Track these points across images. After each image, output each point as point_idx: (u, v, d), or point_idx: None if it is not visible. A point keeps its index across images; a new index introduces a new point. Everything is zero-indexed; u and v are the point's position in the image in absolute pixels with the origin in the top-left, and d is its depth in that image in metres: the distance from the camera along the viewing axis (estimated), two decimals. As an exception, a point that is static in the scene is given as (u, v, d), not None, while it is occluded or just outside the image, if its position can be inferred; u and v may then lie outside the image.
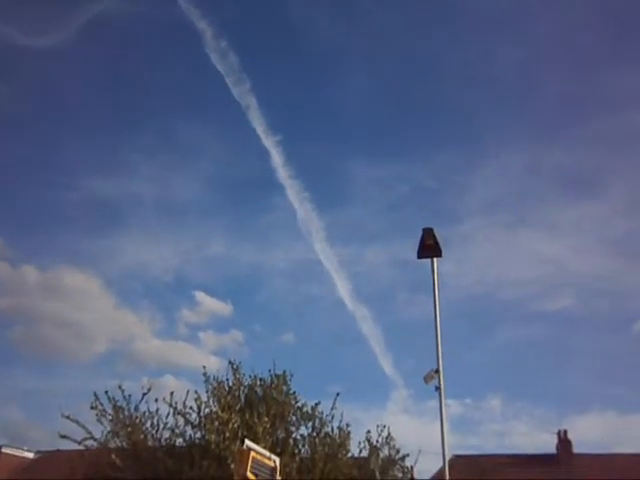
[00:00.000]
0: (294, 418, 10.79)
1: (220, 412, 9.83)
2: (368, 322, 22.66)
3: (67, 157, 28.23)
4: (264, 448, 7.40)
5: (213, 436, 9.60)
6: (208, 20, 22.81)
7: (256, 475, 6.19)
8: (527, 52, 28.75)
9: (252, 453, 6.28)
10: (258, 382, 10.80)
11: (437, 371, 6.58)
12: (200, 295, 26.11)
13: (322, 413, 10.88)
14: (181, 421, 10.30)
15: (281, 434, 10.54)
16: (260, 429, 9.65)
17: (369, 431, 11.29)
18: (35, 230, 27.46)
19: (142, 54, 27.55)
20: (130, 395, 10.41)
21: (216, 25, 22.95)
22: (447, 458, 6.59)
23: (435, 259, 6.85)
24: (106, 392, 10.30)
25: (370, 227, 29.22)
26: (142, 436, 10.20)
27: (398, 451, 11.56)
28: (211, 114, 27.76)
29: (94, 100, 27.17)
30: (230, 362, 10.83)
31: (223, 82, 23.43)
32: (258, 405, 10.30)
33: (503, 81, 28.72)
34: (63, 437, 10.03)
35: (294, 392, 10.87)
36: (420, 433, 20.21)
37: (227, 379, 10.64)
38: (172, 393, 10.29)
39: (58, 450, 15.71)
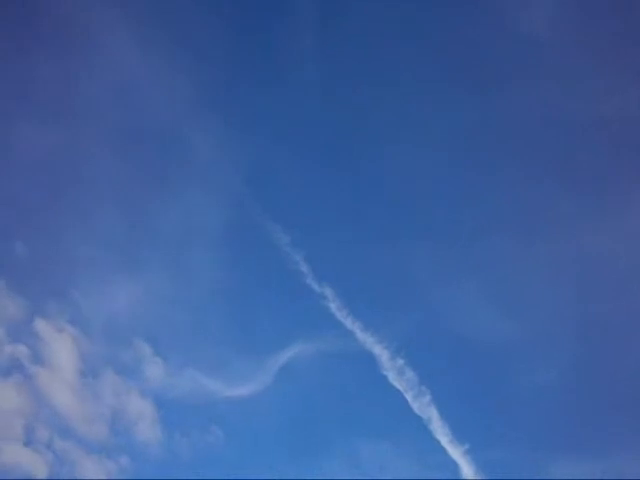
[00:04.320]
0: None
1: None
2: None
3: None
4: None
5: None
6: (383, 345, 26.40)
7: None
8: None
9: None
10: None
11: None
12: None
13: None
14: None
15: None
16: None
17: None
18: None
19: (329, 386, 29.76)
20: None
21: (391, 348, 26.31)
22: None
23: None
24: None
25: None
26: None
27: None
28: (394, 431, 28.35)
29: (287, 438, 29.33)
30: None
31: (403, 398, 25.57)
32: None
33: None
34: None
35: None
36: None
37: None
38: None
39: None
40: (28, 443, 23.83)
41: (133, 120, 30.16)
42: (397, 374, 25.00)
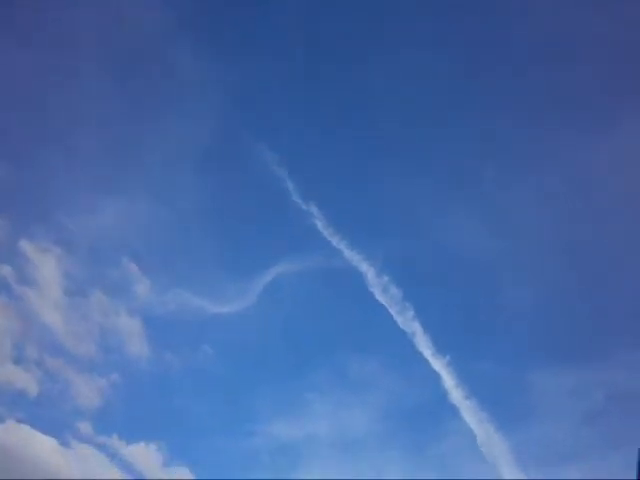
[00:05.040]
0: None
1: None
2: None
3: (253, 407, 29.66)
4: None
5: None
6: (369, 262, 26.14)
7: None
8: None
9: None
10: None
11: None
12: None
13: None
14: None
15: None
16: None
17: None
18: (232, 476, 27.48)
19: (316, 303, 30.10)
20: None
21: (377, 266, 26.02)
22: None
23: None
24: None
25: (565, 444, 26.60)
26: None
27: None
28: (379, 346, 28.82)
29: (275, 353, 29.90)
30: None
31: (388, 313, 25.49)
32: None
33: None
34: None
35: None
36: None
37: None
38: None
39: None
40: (18, 361, 24.13)
41: (117, 43, 29.27)
42: (382, 291, 25.27)
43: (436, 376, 23.94)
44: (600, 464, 22.99)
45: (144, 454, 25.13)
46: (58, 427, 24.53)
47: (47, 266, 25.30)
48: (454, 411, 25.18)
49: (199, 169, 30.86)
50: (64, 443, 23.88)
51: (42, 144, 28.27)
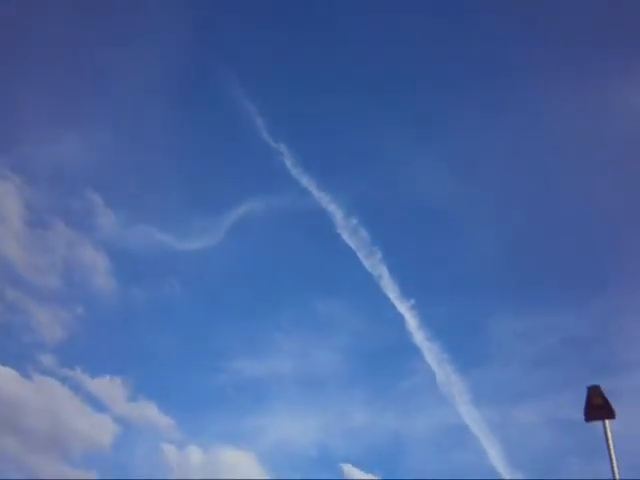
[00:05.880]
0: None
1: None
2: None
3: (219, 343, 29.40)
4: None
5: None
6: (337, 204, 26.09)
7: None
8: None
9: None
10: None
11: None
12: (348, 467, 24.86)
13: None
14: None
15: None
16: None
17: None
18: (198, 412, 27.89)
19: (283, 242, 29.88)
20: None
21: (345, 208, 26.04)
22: None
23: (607, 421, 5.89)
24: None
25: (519, 385, 27.38)
26: None
27: None
28: (346, 288, 28.72)
29: (242, 291, 29.47)
30: None
31: (355, 256, 25.58)
32: None
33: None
34: None
35: None
36: None
37: None
38: None
39: None
40: (-25, 293, 23.89)
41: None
42: (350, 233, 25.34)
43: (400, 319, 24.50)
44: (551, 403, 24.33)
45: (109, 388, 25.33)
46: (19, 359, 24.51)
47: (6, 195, 24.76)
48: (416, 352, 26.01)
49: (167, 101, 30.16)
50: (25, 375, 23.82)
51: (1, 69, 27.39)
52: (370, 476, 25.30)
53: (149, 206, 29.46)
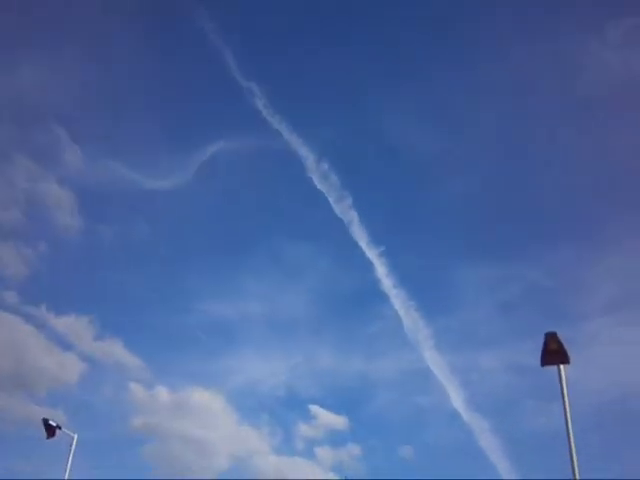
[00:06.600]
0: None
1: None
2: (486, 434, 23.08)
3: (188, 284, 31.05)
4: None
5: None
6: (309, 147, 25.98)
7: None
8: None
9: None
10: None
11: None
12: (315, 408, 25.20)
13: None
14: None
15: None
16: None
17: None
18: (166, 352, 29.38)
19: (253, 184, 30.94)
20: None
21: (316, 151, 26.02)
22: None
23: (562, 366, 5.99)
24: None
25: (481, 332, 27.92)
26: None
27: None
28: (315, 232, 30.43)
29: (211, 232, 30.89)
30: None
31: (326, 201, 26.19)
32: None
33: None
34: None
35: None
36: None
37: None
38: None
39: None
40: None
41: None
42: (321, 177, 25.36)
43: (369, 265, 24.89)
44: (511, 349, 25.32)
45: (75, 326, 25.36)
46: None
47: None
48: (384, 298, 26.51)
49: (135, 29, 28.99)
50: (-13, 310, 23.50)
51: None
52: (338, 417, 26.24)
53: (117, 142, 28.94)
